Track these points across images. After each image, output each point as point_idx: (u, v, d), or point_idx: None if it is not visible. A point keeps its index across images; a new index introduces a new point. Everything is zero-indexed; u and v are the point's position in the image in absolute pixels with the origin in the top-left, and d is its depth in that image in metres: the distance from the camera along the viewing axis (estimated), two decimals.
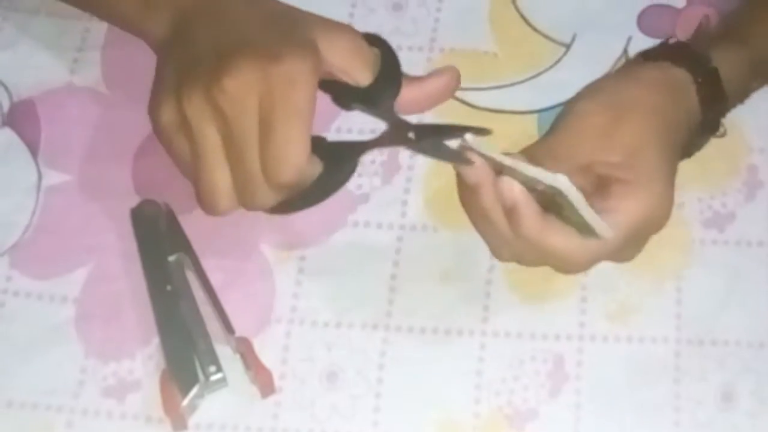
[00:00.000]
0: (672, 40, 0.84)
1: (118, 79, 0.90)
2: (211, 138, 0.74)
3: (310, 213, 0.79)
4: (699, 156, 0.86)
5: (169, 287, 0.82)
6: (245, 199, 0.76)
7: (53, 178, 0.87)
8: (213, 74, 0.73)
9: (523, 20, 0.92)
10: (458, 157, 0.75)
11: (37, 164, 0.88)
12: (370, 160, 0.86)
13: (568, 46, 0.91)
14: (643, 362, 0.81)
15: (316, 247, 0.84)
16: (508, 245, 0.76)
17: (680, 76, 0.81)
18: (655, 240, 0.83)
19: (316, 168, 0.76)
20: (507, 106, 0.89)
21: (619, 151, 0.78)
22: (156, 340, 0.81)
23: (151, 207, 0.85)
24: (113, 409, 0.80)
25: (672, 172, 0.79)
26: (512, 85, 0.90)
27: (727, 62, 0.82)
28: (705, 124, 0.82)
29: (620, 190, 0.77)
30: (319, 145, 0.76)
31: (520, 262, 0.78)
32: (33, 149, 0.88)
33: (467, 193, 0.76)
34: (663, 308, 0.83)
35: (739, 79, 0.83)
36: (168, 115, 0.76)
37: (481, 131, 0.76)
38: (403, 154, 0.87)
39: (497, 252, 0.78)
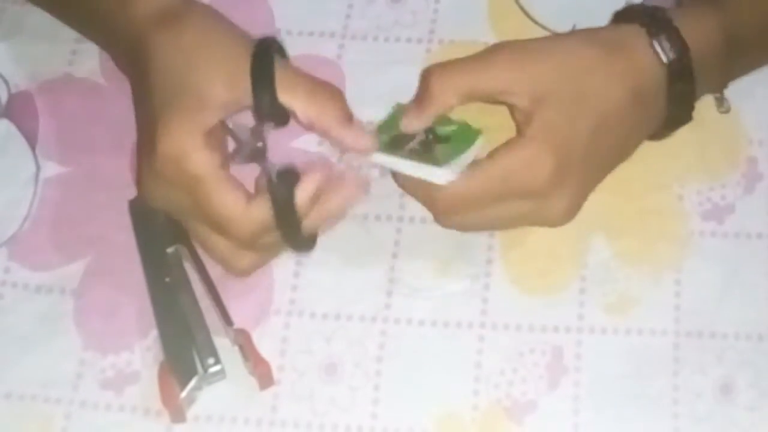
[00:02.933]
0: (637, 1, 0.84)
1: (116, 70, 0.89)
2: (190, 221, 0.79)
3: None
4: (698, 148, 0.86)
5: (167, 279, 0.82)
6: (234, 265, 0.80)
7: (51, 169, 0.87)
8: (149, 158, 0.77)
9: (522, 12, 0.92)
10: None
11: (35, 156, 0.87)
12: None
13: None
14: (642, 355, 0.81)
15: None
16: None
17: (631, 30, 0.80)
18: (654, 232, 0.83)
19: (263, 209, 0.76)
20: None
21: (525, 91, 0.78)
22: (154, 332, 0.81)
23: None
24: (111, 401, 0.80)
25: (574, 134, 0.78)
26: None
27: (692, 20, 0.81)
28: (672, 71, 0.80)
29: (511, 140, 0.78)
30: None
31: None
32: (31, 141, 0.88)
33: None
34: (662, 300, 0.83)
35: (709, 39, 0.81)
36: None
37: None
38: None
39: None
